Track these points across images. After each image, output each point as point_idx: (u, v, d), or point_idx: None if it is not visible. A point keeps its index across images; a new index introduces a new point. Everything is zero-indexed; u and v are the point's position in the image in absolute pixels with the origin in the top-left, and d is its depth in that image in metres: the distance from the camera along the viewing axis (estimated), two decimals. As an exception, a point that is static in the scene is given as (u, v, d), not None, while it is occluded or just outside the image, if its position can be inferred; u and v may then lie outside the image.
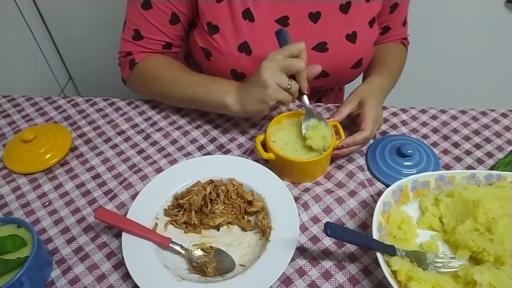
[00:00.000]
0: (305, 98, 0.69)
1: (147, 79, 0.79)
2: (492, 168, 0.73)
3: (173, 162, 0.74)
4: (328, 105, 0.85)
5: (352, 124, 0.79)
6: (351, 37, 0.78)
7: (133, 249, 0.58)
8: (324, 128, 0.68)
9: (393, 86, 0.84)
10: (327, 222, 0.53)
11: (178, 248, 0.59)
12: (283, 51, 0.65)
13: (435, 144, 0.77)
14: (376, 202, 0.61)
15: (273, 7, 0.75)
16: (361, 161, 0.73)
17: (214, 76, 0.77)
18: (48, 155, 0.73)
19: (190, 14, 0.79)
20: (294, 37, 0.75)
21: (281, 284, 0.57)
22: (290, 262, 0.58)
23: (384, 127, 0.80)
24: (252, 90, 0.67)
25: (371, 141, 0.76)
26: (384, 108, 0.84)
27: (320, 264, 0.60)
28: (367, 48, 0.82)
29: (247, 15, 0.74)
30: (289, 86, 0.65)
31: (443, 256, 0.59)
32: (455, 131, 0.79)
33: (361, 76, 0.90)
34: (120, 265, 0.60)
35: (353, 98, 0.73)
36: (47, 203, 0.68)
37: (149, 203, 0.64)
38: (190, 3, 0.77)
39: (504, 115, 0.82)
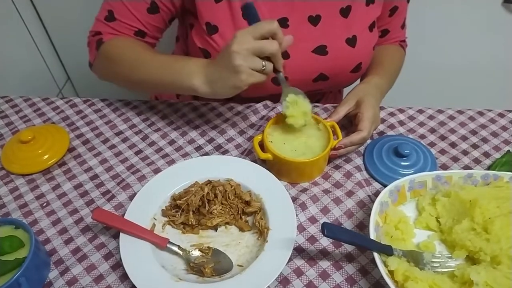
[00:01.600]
0: (281, 75, 0.66)
1: (111, 60, 0.76)
2: (489, 168, 0.73)
3: (171, 162, 0.74)
4: (326, 105, 0.85)
5: (349, 124, 0.79)
6: (351, 41, 0.78)
7: (131, 249, 0.58)
8: (303, 102, 0.67)
9: (390, 87, 0.85)
10: (324, 222, 0.54)
11: (175, 248, 0.60)
12: (253, 32, 0.60)
13: (432, 144, 0.77)
14: (373, 202, 0.61)
15: (272, 8, 0.75)
16: (359, 161, 0.73)
17: None
18: (46, 156, 0.73)
19: (174, 10, 0.78)
20: (294, 39, 0.74)
21: (279, 284, 0.58)
22: (288, 262, 0.59)
23: (381, 127, 0.80)
24: (223, 75, 0.62)
25: (368, 141, 0.77)
26: (381, 108, 0.84)
27: (317, 264, 0.60)
28: (367, 52, 0.82)
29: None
30: (263, 68, 0.61)
31: (440, 256, 0.59)
32: (452, 131, 0.80)
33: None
34: (118, 265, 0.60)
35: (350, 98, 0.73)
36: (45, 204, 0.68)
37: (147, 204, 0.64)
38: (178, 1, 0.76)
39: (501, 115, 0.82)
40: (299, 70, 0.79)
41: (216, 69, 0.64)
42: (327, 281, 0.58)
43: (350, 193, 0.68)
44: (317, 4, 0.76)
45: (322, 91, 0.90)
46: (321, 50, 0.78)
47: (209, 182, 0.66)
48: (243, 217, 0.65)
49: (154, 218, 0.63)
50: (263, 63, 0.61)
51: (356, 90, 0.75)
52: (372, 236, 0.57)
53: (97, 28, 0.78)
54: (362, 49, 0.80)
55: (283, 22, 0.76)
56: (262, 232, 0.61)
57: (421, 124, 0.81)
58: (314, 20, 0.77)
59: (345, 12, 0.77)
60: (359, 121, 0.70)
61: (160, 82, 0.71)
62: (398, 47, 0.92)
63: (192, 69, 0.67)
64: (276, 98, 0.85)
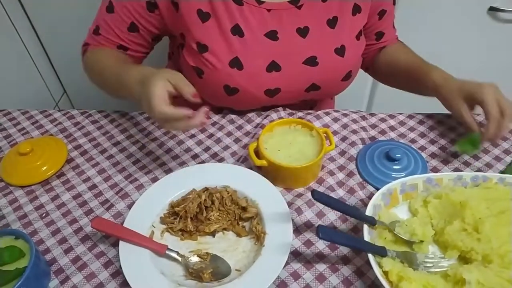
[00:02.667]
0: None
1: (89, 69, 0.84)
2: (503, 172, 0.74)
3: (168, 171, 0.75)
4: (318, 112, 0.86)
5: (342, 128, 0.81)
6: (340, 51, 0.80)
7: (130, 257, 0.59)
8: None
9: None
10: (319, 225, 0.55)
11: (174, 255, 0.61)
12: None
13: (422, 148, 0.79)
14: (366, 206, 0.62)
15: (261, 21, 0.77)
16: (352, 166, 0.75)
17: (206, 90, 0.78)
18: (45, 167, 0.74)
19: (157, 31, 0.82)
20: (284, 52, 0.77)
21: (276, 288, 0.59)
22: (285, 266, 0.60)
23: (372, 132, 0.82)
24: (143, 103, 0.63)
25: (360, 146, 0.78)
26: (372, 114, 0.86)
27: (314, 267, 0.61)
28: (355, 60, 0.85)
29: (237, 31, 0.76)
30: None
31: (433, 256, 0.61)
32: (442, 135, 0.82)
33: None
34: (117, 273, 0.61)
35: (458, 104, 0.73)
36: (44, 215, 0.69)
37: (145, 212, 0.65)
38: (157, 22, 0.80)
39: (488, 119, 0.84)
40: (291, 82, 0.81)
41: (143, 98, 0.62)
42: (324, 283, 0.59)
43: (343, 198, 0.70)
44: (305, 16, 0.78)
45: (315, 99, 0.92)
46: (311, 61, 0.80)
47: (206, 189, 0.67)
48: (240, 222, 0.66)
49: (153, 226, 0.64)
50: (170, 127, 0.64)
51: (447, 92, 0.75)
52: (366, 238, 0.59)
53: (87, 40, 0.86)
54: (351, 58, 0.82)
55: (273, 35, 0.78)
56: (259, 237, 0.62)
57: (412, 129, 0.83)
58: (303, 32, 0.78)
59: (332, 23, 0.79)
60: (482, 107, 0.70)
61: (116, 91, 0.76)
62: (402, 43, 0.93)
63: (129, 82, 0.67)
64: (268, 109, 0.87)
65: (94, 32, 0.83)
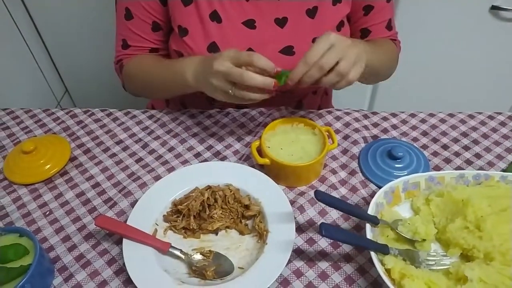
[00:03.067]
0: None
1: (132, 78, 0.86)
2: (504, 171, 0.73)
3: (171, 169, 0.75)
4: (320, 111, 0.86)
5: (344, 126, 0.82)
6: None
7: (134, 255, 0.60)
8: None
9: (377, 61, 0.77)
10: (322, 223, 0.55)
11: (177, 252, 0.61)
12: (234, 58, 0.63)
13: (424, 147, 0.79)
14: (369, 204, 0.63)
15: (239, 10, 0.78)
16: (354, 164, 0.75)
17: None
18: (48, 166, 0.74)
19: (168, 20, 0.83)
20: (261, 40, 0.78)
21: (279, 285, 0.59)
22: (288, 263, 0.60)
23: (375, 131, 0.82)
24: (204, 79, 0.68)
25: (363, 145, 0.79)
26: (375, 113, 0.87)
27: (316, 265, 0.61)
28: None
29: (215, 17, 0.77)
30: (230, 92, 0.65)
31: (435, 254, 0.61)
32: (444, 133, 0.82)
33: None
34: (121, 271, 0.61)
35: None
36: (47, 213, 0.69)
37: (148, 210, 0.66)
38: (166, 10, 0.81)
39: (490, 117, 0.85)
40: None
41: (202, 72, 0.70)
42: (326, 281, 0.59)
43: (346, 196, 0.70)
44: (284, 7, 0.78)
45: (295, 91, 0.89)
46: (288, 51, 0.80)
47: (209, 187, 0.67)
48: (242, 220, 0.66)
49: (156, 224, 0.65)
50: (231, 89, 0.64)
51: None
52: (369, 236, 0.59)
53: (119, 57, 0.88)
54: None
55: (251, 24, 0.79)
56: (261, 235, 0.63)
57: (414, 128, 0.83)
58: (281, 22, 0.79)
59: (311, 13, 0.79)
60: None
61: (165, 83, 0.80)
62: (386, 39, 0.88)
63: (185, 64, 0.74)
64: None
65: (123, 47, 0.85)
